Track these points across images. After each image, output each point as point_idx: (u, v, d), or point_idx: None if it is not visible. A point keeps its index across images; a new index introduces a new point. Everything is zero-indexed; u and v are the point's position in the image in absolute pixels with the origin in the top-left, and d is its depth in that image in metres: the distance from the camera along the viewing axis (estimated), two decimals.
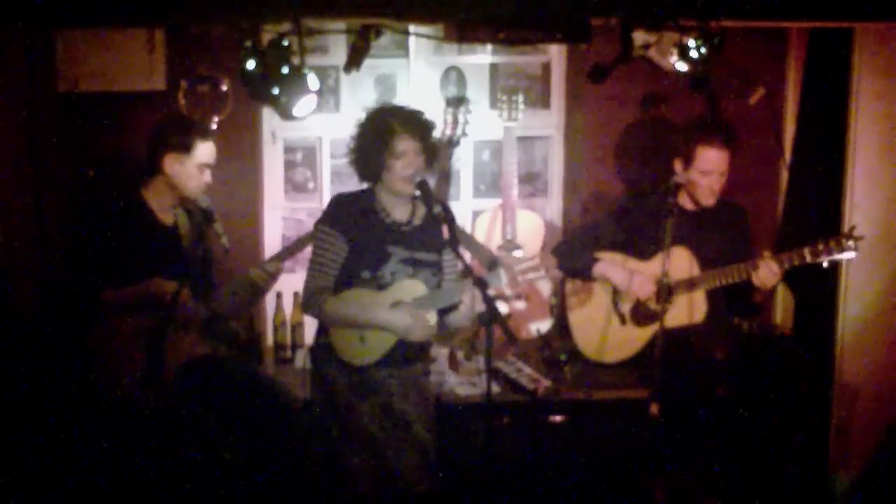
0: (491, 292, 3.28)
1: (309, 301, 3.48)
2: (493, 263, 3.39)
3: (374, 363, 3.48)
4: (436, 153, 3.51)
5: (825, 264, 3.84)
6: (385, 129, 3.37)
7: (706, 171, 4.04)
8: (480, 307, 3.28)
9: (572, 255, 4.28)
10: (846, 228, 4.09)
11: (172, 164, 3.71)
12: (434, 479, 3.55)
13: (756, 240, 4.28)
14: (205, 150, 3.72)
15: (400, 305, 3.44)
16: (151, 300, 3.67)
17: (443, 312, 3.53)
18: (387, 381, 3.49)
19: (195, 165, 3.71)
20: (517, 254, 4.49)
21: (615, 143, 4.74)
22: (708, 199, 4.10)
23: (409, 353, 3.52)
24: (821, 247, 3.83)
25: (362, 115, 3.47)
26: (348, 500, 3.48)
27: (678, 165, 4.10)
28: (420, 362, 3.60)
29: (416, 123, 3.41)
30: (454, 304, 3.45)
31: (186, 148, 3.69)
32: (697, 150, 4.03)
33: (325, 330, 3.55)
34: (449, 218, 3.40)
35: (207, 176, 3.75)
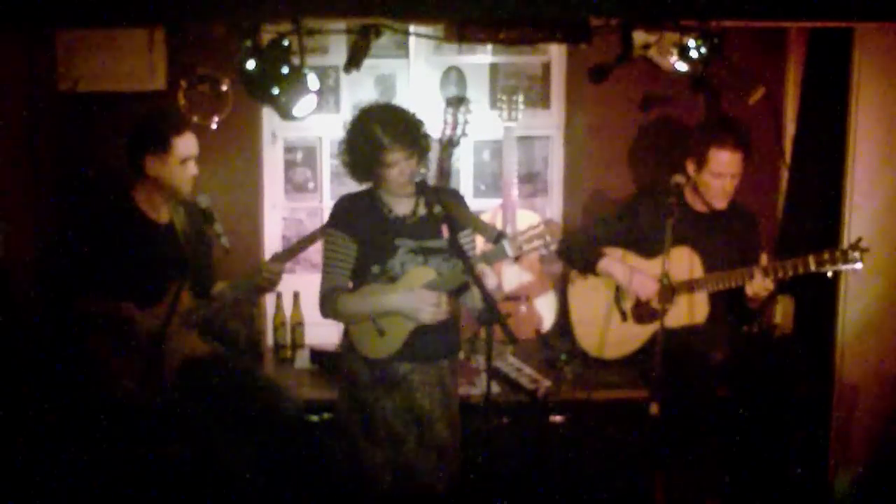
0: (493, 283, 3.29)
1: (323, 302, 3.47)
2: (497, 236, 3.37)
3: (395, 356, 3.47)
4: (427, 149, 3.48)
5: (829, 274, 3.84)
6: (373, 143, 3.32)
7: (719, 174, 4.03)
8: (480, 306, 3.27)
9: (577, 249, 4.28)
10: (847, 230, 4.10)
11: (154, 165, 3.67)
12: (453, 480, 3.54)
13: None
14: (183, 144, 3.68)
15: (408, 290, 3.43)
16: (115, 322, 3.66)
17: (455, 294, 3.50)
18: (410, 377, 3.48)
19: (177, 161, 3.68)
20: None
21: (616, 145, 4.74)
22: (720, 202, 4.10)
23: (432, 349, 3.49)
24: (826, 256, 3.83)
25: (349, 120, 3.40)
26: (366, 496, 3.49)
27: (690, 166, 4.09)
28: (446, 359, 3.56)
29: (403, 132, 3.34)
30: (464, 284, 3.43)
31: (164, 147, 3.65)
32: (710, 152, 4.02)
33: (346, 330, 3.56)
34: (449, 218, 3.39)
35: (192, 168, 3.72)
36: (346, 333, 3.56)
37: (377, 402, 3.48)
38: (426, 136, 3.45)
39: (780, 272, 3.90)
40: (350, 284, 3.52)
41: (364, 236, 3.45)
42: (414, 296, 3.39)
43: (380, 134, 3.31)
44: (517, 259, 4.30)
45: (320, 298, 3.49)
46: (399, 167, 3.36)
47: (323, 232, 3.61)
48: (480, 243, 3.65)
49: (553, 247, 3.34)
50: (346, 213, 3.49)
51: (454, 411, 3.59)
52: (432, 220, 3.41)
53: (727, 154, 4.00)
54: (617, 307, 4.27)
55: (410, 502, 3.49)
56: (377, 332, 3.45)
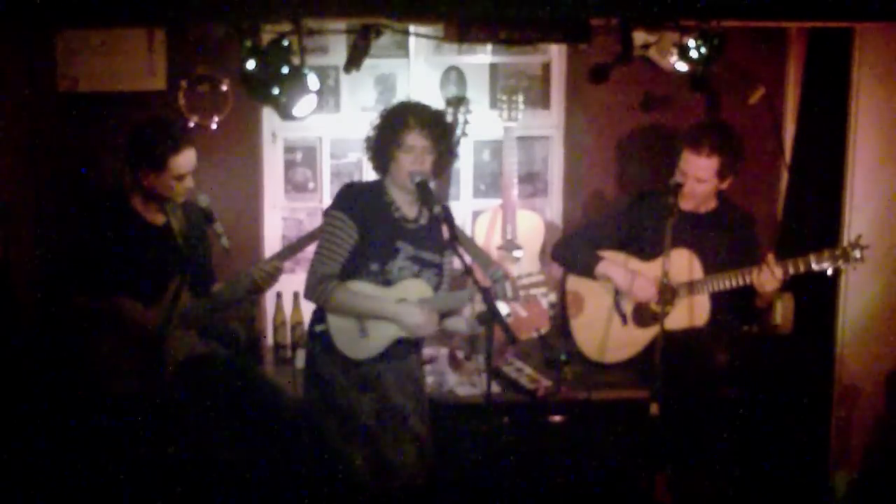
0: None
1: (315, 287, 3.43)
2: (498, 277, 3.39)
3: (373, 357, 3.48)
4: (449, 157, 3.51)
5: (829, 272, 3.85)
6: (398, 121, 3.39)
7: (685, 174, 4.03)
8: (480, 307, 3.28)
9: (575, 252, 4.28)
10: (847, 230, 4.10)
11: (148, 178, 3.65)
12: (432, 471, 3.56)
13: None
14: (179, 163, 3.63)
15: (408, 302, 3.44)
16: (114, 317, 3.66)
17: (442, 315, 3.54)
18: (383, 375, 3.50)
19: (171, 178, 3.64)
20: (517, 254, 4.49)
21: (616, 145, 4.74)
22: (686, 202, 4.09)
23: (403, 348, 3.52)
24: (826, 254, 3.83)
25: (387, 106, 3.50)
26: (349, 495, 3.49)
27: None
28: (413, 354, 3.61)
29: (430, 122, 3.41)
30: (457, 309, 3.46)
31: (160, 166, 3.61)
32: (684, 151, 4.03)
33: (323, 319, 3.52)
34: (449, 218, 3.40)
35: (188, 182, 3.69)
36: (324, 323, 3.51)
37: (353, 403, 3.48)
38: (452, 143, 3.49)
39: (782, 271, 3.90)
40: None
41: (368, 229, 3.44)
42: (418, 313, 3.41)
43: (407, 116, 3.40)
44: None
45: (311, 281, 3.44)
46: (414, 154, 3.38)
47: (327, 214, 3.57)
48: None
49: (552, 298, 3.34)
50: (354, 199, 3.48)
51: (424, 404, 3.62)
52: (432, 231, 3.43)
53: (695, 158, 3.98)
54: (617, 311, 4.27)
55: (395, 498, 3.49)
56: (360, 331, 3.45)
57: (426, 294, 3.45)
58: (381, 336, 3.46)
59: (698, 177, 4.01)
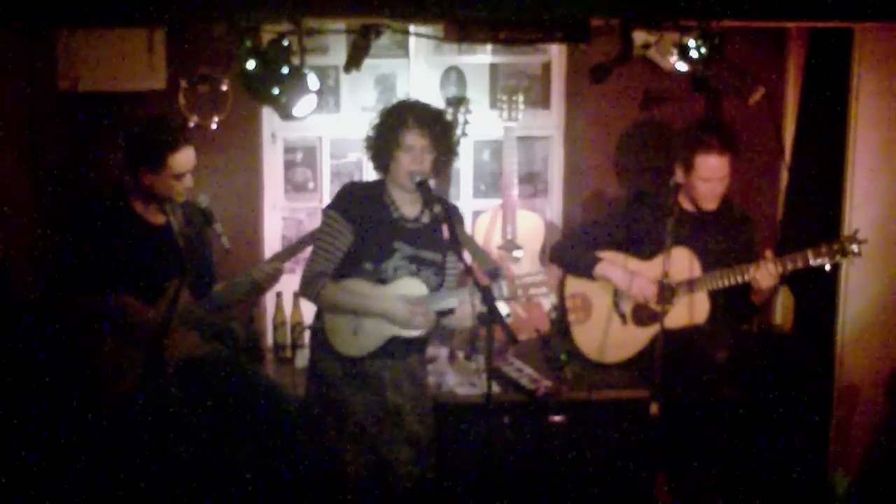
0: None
1: (308, 284, 3.46)
2: (494, 274, 3.39)
3: (368, 355, 3.48)
4: (449, 155, 3.51)
5: (827, 267, 3.85)
6: (398, 120, 3.39)
7: (706, 178, 4.04)
8: (480, 308, 3.28)
9: (573, 253, 4.28)
10: (847, 230, 4.09)
11: (147, 177, 3.65)
12: (428, 472, 3.55)
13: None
14: (179, 161, 3.63)
15: (398, 298, 3.44)
16: (117, 315, 3.66)
17: (440, 314, 3.53)
18: (380, 374, 3.49)
19: (170, 177, 3.65)
20: (517, 254, 4.49)
21: (616, 145, 4.74)
22: (709, 204, 4.11)
23: (403, 347, 3.51)
24: (824, 249, 3.84)
25: (387, 105, 3.50)
26: (342, 493, 3.48)
27: (679, 171, 4.10)
28: (416, 354, 3.59)
29: (430, 121, 3.40)
30: (452, 308, 3.46)
31: (158, 164, 3.62)
32: (697, 157, 4.03)
33: (320, 316, 3.54)
34: (450, 218, 3.40)
35: (188, 181, 3.69)
36: (319, 331, 3.53)
37: (349, 399, 3.48)
38: (451, 142, 3.48)
39: (780, 267, 3.91)
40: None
41: (365, 230, 3.45)
42: (409, 308, 3.40)
43: (407, 115, 3.40)
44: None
45: (305, 278, 3.47)
46: (413, 153, 3.38)
47: (324, 213, 3.58)
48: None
49: (553, 299, 3.33)
50: (353, 201, 3.49)
51: (424, 404, 3.60)
52: (433, 230, 3.43)
53: (713, 159, 4.01)
54: (616, 311, 4.27)
55: (391, 497, 3.49)
56: (353, 330, 3.45)
57: (421, 292, 3.45)
58: (374, 334, 3.46)
59: (712, 176, 4.03)
